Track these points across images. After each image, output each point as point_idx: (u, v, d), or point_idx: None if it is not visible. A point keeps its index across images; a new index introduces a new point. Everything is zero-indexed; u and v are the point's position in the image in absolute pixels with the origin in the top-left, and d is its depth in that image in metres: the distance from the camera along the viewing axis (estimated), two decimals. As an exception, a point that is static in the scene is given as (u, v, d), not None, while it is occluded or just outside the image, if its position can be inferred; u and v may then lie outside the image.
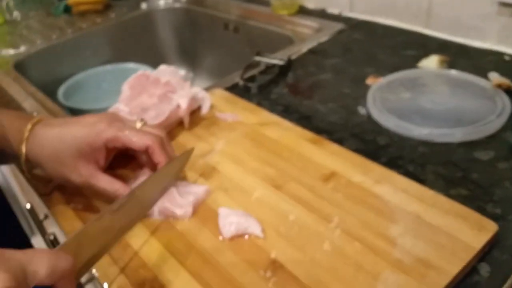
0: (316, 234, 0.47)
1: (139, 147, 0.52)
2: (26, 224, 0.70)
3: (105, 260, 0.47)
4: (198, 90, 0.67)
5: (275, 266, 0.44)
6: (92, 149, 0.52)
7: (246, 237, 0.48)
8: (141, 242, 0.49)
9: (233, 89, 0.80)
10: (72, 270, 0.37)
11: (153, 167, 0.55)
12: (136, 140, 0.52)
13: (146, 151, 0.53)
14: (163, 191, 0.53)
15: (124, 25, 1.33)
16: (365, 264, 0.43)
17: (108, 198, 0.53)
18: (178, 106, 0.63)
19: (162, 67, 0.67)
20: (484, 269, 0.45)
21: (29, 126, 0.53)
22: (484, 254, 0.46)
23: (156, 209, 0.51)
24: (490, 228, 0.46)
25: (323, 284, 0.42)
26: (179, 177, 0.56)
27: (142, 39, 1.38)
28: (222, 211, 0.50)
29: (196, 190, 0.53)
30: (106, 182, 0.52)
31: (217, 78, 1.22)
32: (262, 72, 0.85)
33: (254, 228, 0.48)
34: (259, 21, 1.13)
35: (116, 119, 0.54)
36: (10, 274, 0.31)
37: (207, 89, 0.76)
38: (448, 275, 0.41)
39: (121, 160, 0.60)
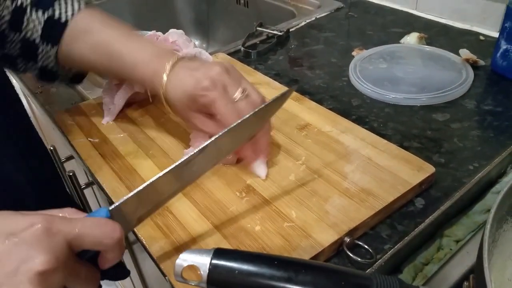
0: (285, 168, 0.58)
1: (228, 122, 0.51)
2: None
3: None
4: (201, 50, 0.77)
5: (249, 189, 0.55)
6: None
7: (228, 168, 0.59)
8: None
9: (235, 54, 0.90)
10: (120, 239, 0.37)
11: None
12: (228, 118, 0.52)
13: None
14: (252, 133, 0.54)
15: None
16: (319, 190, 0.54)
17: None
18: (182, 63, 0.73)
19: (171, 30, 0.77)
20: (419, 202, 0.55)
21: (167, 68, 0.56)
22: (422, 192, 0.56)
23: None
24: (428, 170, 0.56)
25: (283, 202, 0.53)
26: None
27: (161, 11, 1.48)
28: None
29: None
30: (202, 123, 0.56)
31: (227, 49, 1.32)
32: (263, 41, 0.95)
33: None
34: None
35: (223, 78, 0.54)
36: (52, 255, 0.32)
37: (212, 53, 0.87)
38: (384, 201, 0.52)
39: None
